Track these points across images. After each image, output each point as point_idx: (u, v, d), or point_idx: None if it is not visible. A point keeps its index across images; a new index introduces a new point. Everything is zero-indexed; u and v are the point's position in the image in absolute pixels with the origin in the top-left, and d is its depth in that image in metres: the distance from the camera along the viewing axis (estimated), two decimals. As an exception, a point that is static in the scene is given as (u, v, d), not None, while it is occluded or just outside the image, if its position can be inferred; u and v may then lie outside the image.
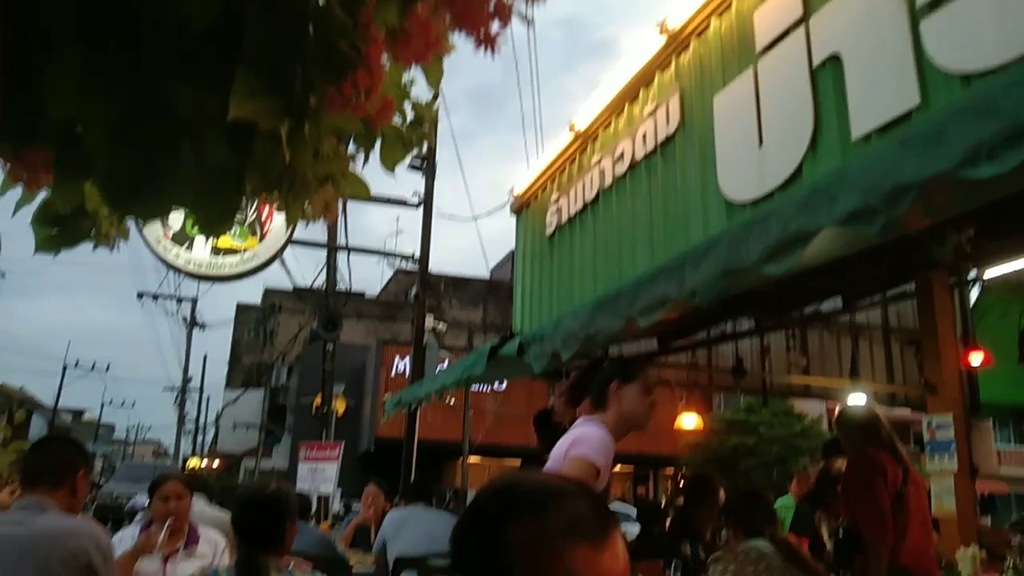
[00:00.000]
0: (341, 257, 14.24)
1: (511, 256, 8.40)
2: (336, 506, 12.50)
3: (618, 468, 17.49)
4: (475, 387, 18.13)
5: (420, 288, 11.67)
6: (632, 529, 6.49)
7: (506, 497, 0.98)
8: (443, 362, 11.47)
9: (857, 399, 6.11)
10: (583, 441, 2.60)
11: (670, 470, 20.40)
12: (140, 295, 27.53)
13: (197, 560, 3.56)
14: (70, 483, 2.73)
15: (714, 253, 2.49)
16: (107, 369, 42.94)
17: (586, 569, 0.90)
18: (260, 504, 2.58)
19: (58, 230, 1.65)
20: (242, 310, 31.21)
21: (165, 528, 3.53)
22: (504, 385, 19.10)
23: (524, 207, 6.77)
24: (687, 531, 4.76)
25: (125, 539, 3.74)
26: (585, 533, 0.92)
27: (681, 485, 16.57)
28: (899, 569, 3.29)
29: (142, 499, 5.37)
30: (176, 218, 8.79)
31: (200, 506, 4.40)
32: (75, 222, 1.64)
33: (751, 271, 2.27)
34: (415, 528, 4.88)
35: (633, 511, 7.82)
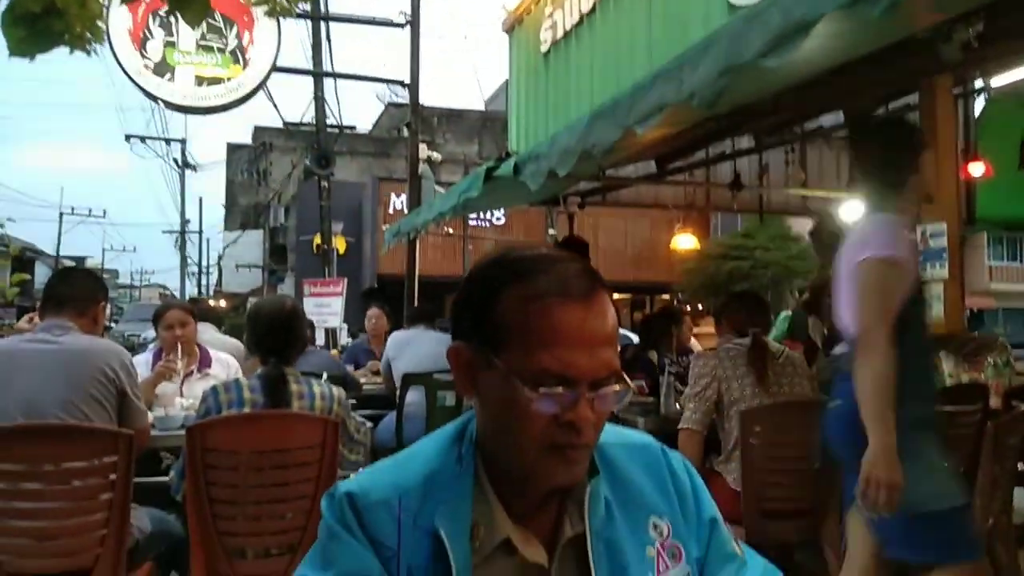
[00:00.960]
0: (330, 92, 13.81)
1: (505, 86, 8.13)
2: (344, 339, 12.91)
3: (616, 296, 17.89)
4: (473, 221, 18.22)
5: (412, 115, 11.38)
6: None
7: (499, 266, 1.03)
8: (439, 195, 11.43)
9: (853, 210, 6.12)
10: (867, 241, 2.31)
11: (666, 297, 20.88)
12: (128, 137, 26.98)
13: (211, 380, 3.72)
14: (92, 312, 2.81)
15: (713, 51, 2.39)
16: (104, 215, 42.82)
17: (571, 325, 0.95)
18: (281, 317, 2.71)
19: (30, 31, 1.58)
20: (233, 150, 30.66)
21: (178, 354, 3.65)
22: (502, 217, 19.16)
23: (517, 24, 6.47)
24: (651, 338, 5.24)
25: (139, 365, 3.87)
26: (571, 292, 0.97)
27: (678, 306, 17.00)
28: None
29: (151, 336, 5.54)
30: (155, 49, 8.44)
31: (210, 334, 4.53)
32: (46, 22, 1.57)
33: (751, 66, 2.18)
34: (418, 347, 5.05)
35: (633, 336, 8.09)
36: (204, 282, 33.64)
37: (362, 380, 5.49)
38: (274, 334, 2.68)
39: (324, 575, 0.93)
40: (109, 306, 3.21)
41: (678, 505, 1.10)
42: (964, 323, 5.77)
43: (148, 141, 27.53)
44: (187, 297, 33.50)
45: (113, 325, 20.96)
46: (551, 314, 0.95)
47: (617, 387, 0.99)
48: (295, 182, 23.93)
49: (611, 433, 1.11)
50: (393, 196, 20.14)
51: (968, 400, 3.97)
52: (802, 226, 18.43)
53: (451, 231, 14.32)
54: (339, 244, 18.85)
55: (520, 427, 0.96)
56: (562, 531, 1.02)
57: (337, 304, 11.57)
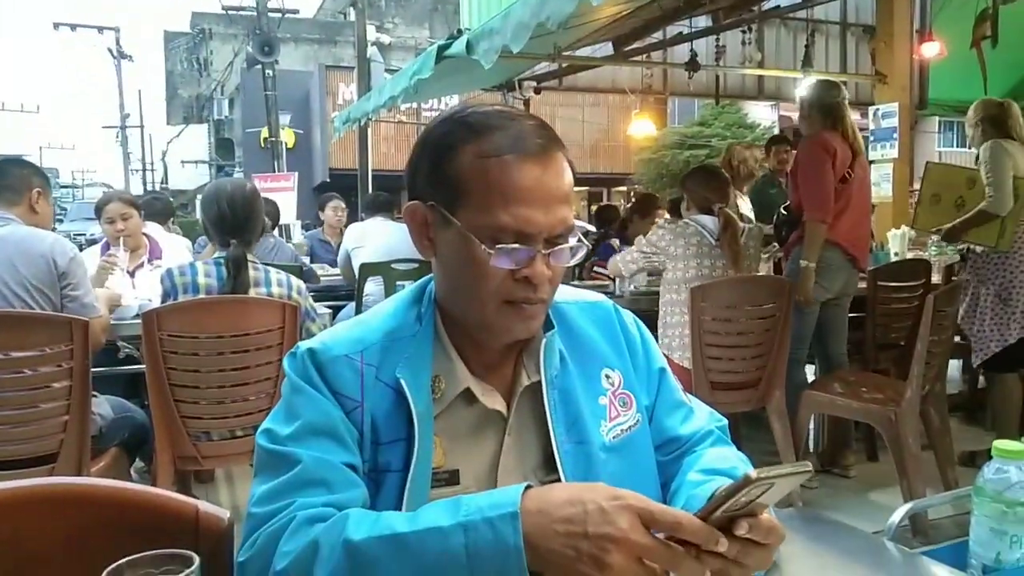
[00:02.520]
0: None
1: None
2: (297, 235, 12.75)
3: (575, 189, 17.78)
4: (427, 111, 17.78)
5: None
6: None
7: (454, 123, 1.01)
8: (391, 83, 11.06)
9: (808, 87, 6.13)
10: None
11: (623, 189, 20.91)
12: (56, 26, 25.38)
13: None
14: (28, 199, 2.70)
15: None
16: (37, 110, 40.70)
17: (528, 181, 0.95)
18: (244, 197, 2.65)
19: None
20: (171, 38, 29.11)
21: (121, 247, 3.55)
22: (457, 105, 18.67)
23: None
24: (610, 224, 5.32)
25: (88, 258, 3.77)
26: (528, 149, 0.96)
27: (633, 199, 17.07)
28: (832, 245, 3.51)
29: (98, 232, 5.37)
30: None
31: (159, 231, 4.41)
32: None
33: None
34: (377, 238, 5.01)
35: (589, 227, 8.15)
36: (149, 179, 32.51)
37: (319, 272, 5.47)
38: (236, 214, 2.62)
39: (290, 427, 0.95)
40: (53, 205, 3.10)
41: (628, 357, 1.14)
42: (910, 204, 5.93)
43: (79, 29, 25.91)
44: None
45: (57, 225, 20.34)
46: (508, 171, 0.95)
47: (572, 244, 1.00)
48: (238, 72, 22.92)
49: (566, 292, 1.14)
50: (342, 86, 19.49)
51: (912, 276, 4.14)
52: (758, 114, 18.42)
53: (404, 119, 13.97)
54: (288, 137, 18.32)
55: (478, 284, 0.97)
56: (519, 381, 1.06)
57: (289, 200, 11.34)
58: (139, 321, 2.56)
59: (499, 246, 0.94)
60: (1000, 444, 1.03)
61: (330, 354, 1.00)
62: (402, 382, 0.98)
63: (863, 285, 3.87)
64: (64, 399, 2.37)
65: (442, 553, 0.77)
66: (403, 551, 0.79)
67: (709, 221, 3.43)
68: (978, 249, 3.66)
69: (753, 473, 0.71)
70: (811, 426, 3.77)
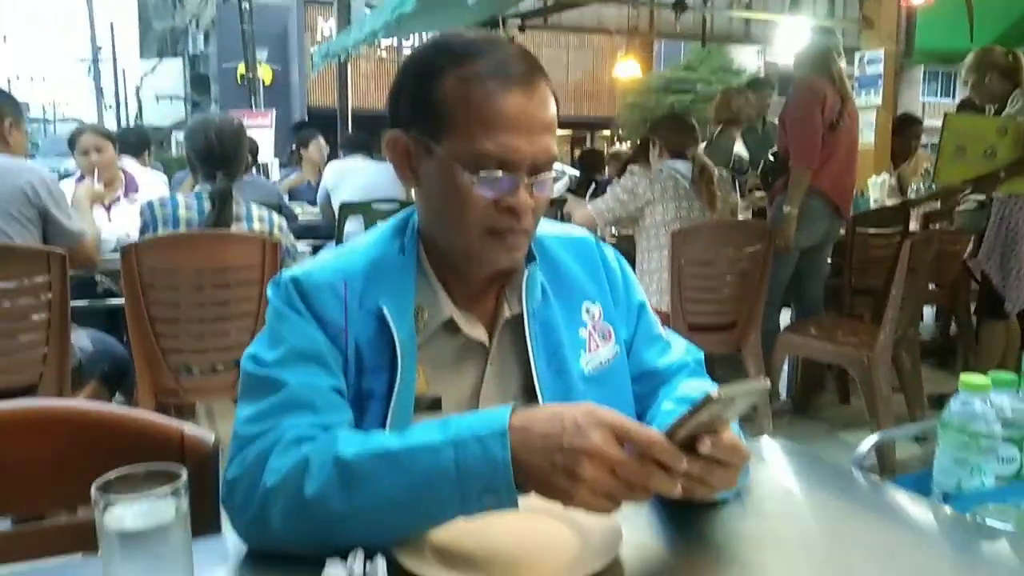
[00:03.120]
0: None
1: None
2: (276, 174, 12.58)
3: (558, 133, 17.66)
4: (408, 48, 17.40)
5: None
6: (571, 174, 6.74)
7: (437, 49, 1.00)
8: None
9: (794, 32, 6.07)
10: None
11: (607, 133, 20.74)
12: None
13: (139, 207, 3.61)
14: (0, 130, 2.65)
15: None
16: (4, 40, 39.39)
17: (512, 109, 0.94)
18: (230, 130, 2.62)
19: None
20: (143, -32, 28.13)
21: (94, 178, 3.49)
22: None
23: None
24: (595, 169, 5.28)
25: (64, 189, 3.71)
26: (512, 76, 0.95)
27: (617, 142, 16.96)
28: (816, 193, 3.53)
29: (71, 166, 5.27)
30: None
31: (135, 166, 4.33)
32: None
33: None
34: (357, 177, 4.95)
35: (572, 170, 8.08)
36: (123, 115, 31.74)
37: (297, 211, 5.41)
38: (224, 146, 2.59)
39: (275, 352, 0.96)
40: (26, 136, 3.03)
41: (609, 291, 1.15)
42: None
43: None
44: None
45: (30, 160, 19.86)
46: (492, 98, 0.94)
47: (555, 174, 1.00)
48: (213, 4, 22.25)
49: (548, 227, 1.15)
50: (321, 20, 19.02)
51: (890, 223, 4.18)
52: (744, 60, 18.25)
53: (384, 56, 13.69)
54: (265, 74, 17.88)
55: (461, 212, 0.97)
56: (501, 313, 1.07)
57: (266, 137, 11.14)
58: (117, 255, 2.53)
59: (482, 174, 0.94)
60: (966, 378, 1.06)
61: (313, 281, 1.00)
62: (385, 310, 0.99)
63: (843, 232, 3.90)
64: (44, 330, 2.37)
65: (432, 468, 0.79)
66: (394, 467, 0.81)
67: (681, 165, 3.44)
68: (1002, 196, 3.64)
69: (714, 392, 0.74)
70: (785, 369, 3.84)
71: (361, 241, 1.08)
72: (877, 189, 4.85)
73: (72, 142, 3.67)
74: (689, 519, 0.93)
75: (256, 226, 2.65)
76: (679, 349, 1.20)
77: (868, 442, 1.30)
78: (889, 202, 4.71)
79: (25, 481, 0.96)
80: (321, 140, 6.30)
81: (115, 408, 1.00)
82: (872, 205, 4.70)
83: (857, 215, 4.08)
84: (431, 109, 0.96)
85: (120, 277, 2.51)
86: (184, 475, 0.68)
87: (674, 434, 0.77)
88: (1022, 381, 1.13)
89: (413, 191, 1.06)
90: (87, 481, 0.83)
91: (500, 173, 0.94)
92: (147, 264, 2.46)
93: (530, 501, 0.93)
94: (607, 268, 1.17)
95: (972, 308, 4.35)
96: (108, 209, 3.68)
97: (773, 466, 1.13)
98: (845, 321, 3.78)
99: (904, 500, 1.04)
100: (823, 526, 0.98)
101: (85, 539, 0.90)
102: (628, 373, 1.15)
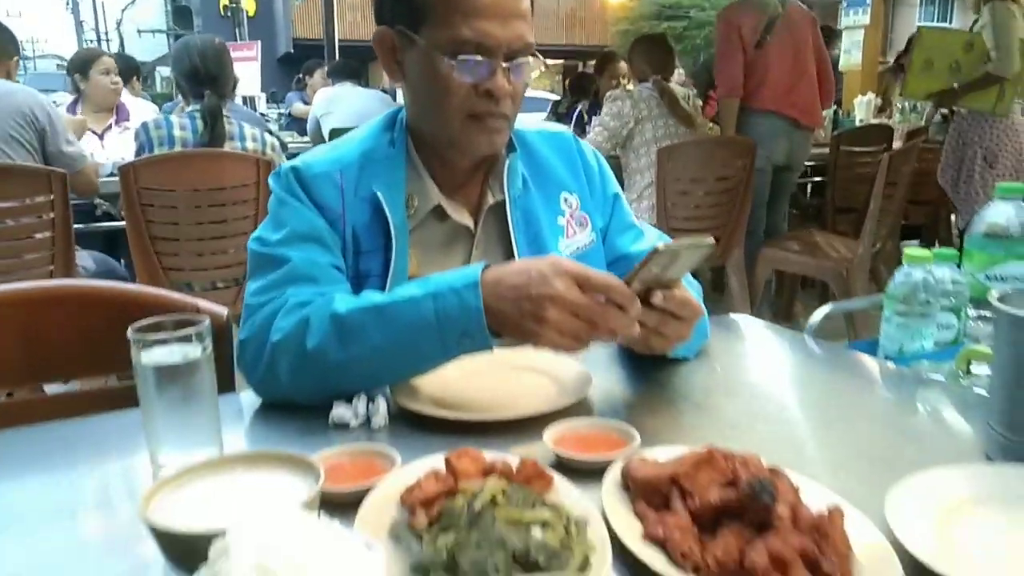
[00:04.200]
0: None
1: None
2: (263, 107, 12.43)
3: (549, 62, 17.41)
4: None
5: None
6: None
7: None
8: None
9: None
10: None
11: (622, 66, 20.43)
12: None
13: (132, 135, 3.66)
14: (5, 67, 2.69)
15: None
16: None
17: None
18: (215, 48, 2.67)
19: None
20: None
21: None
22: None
23: None
24: (584, 92, 5.31)
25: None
26: None
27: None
28: (765, 113, 3.58)
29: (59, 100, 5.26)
30: None
31: (125, 94, 4.33)
32: None
33: None
34: (346, 104, 4.97)
35: (556, 97, 8.01)
36: (104, 50, 30.99)
37: (287, 139, 5.43)
38: (208, 65, 2.64)
39: (279, 233, 1.05)
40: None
41: (586, 182, 1.24)
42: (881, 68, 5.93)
43: None
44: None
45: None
46: None
47: (531, 60, 1.07)
48: (194, -68, 21.56)
49: (528, 122, 1.24)
50: (306, -52, 18.48)
51: (874, 141, 4.24)
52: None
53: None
54: (248, 5, 17.49)
55: (443, 99, 1.05)
56: (485, 200, 1.16)
57: (252, 71, 10.97)
58: (115, 178, 2.60)
59: (460, 58, 1.02)
60: (910, 251, 1.16)
61: (311, 171, 1.09)
62: (379, 196, 1.08)
63: (825, 150, 3.97)
64: (48, 249, 2.45)
65: (415, 318, 0.89)
66: (381, 318, 0.91)
67: (648, 87, 3.49)
68: (963, 112, 3.71)
69: (660, 245, 0.83)
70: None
71: (354, 136, 1.17)
72: (863, 108, 4.89)
73: (88, 62, 3.69)
74: (651, 370, 1.05)
75: (249, 145, 2.71)
76: (651, 236, 1.29)
77: (820, 312, 1.41)
78: (874, 122, 4.76)
79: (51, 354, 1.06)
80: (325, 68, 6.31)
81: (132, 287, 1.09)
82: (858, 125, 4.75)
83: (841, 133, 4.14)
84: (411, 1, 1.03)
85: (118, 200, 2.58)
86: (207, 321, 0.78)
87: (628, 284, 0.87)
88: (962, 256, 1.23)
89: (399, 88, 1.14)
90: (108, 355, 0.93)
91: (478, 58, 1.02)
92: (145, 184, 2.52)
93: (510, 357, 1.05)
94: (584, 161, 1.26)
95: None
96: (101, 137, 3.72)
97: (735, 334, 1.24)
98: (826, 235, 3.87)
99: (851, 358, 1.15)
100: (774, 377, 1.09)
101: (115, 401, 1.01)
102: (603, 259, 1.25)
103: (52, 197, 2.40)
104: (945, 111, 4.04)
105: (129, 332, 0.77)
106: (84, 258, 2.72)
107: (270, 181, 1.12)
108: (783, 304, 4.05)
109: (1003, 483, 0.70)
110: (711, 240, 0.87)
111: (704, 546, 0.59)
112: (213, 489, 0.64)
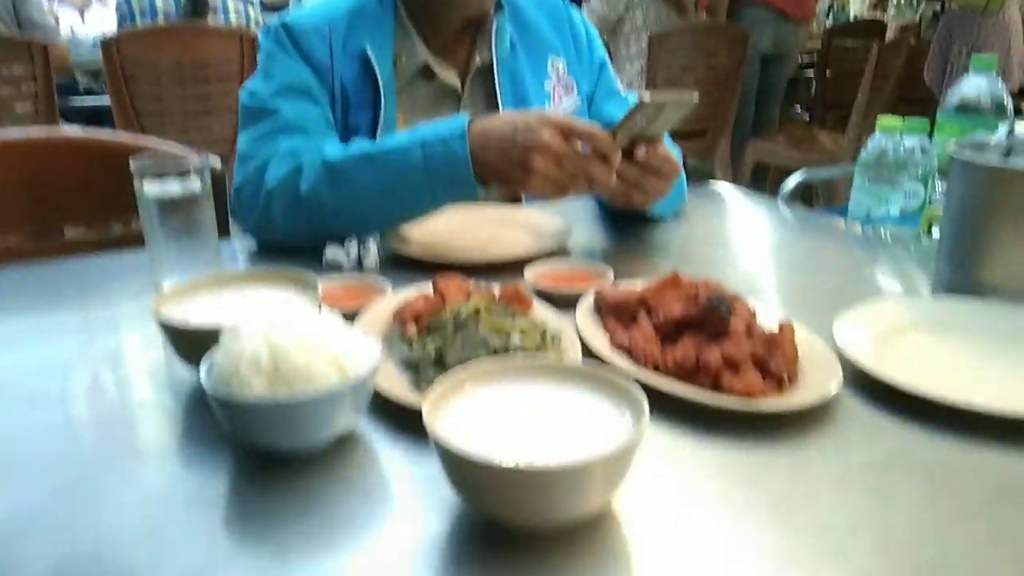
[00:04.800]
0: None
1: None
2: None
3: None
4: None
5: None
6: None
7: None
8: None
9: None
10: None
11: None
12: None
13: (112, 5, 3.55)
14: None
15: None
16: None
17: None
18: None
19: None
20: None
21: None
22: None
23: None
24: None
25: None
26: None
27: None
28: (752, 4, 3.53)
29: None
30: None
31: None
32: None
33: None
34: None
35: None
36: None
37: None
38: None
39: (269, 86, 1.07)
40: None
41: (573, 48, 1.26)
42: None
43: None
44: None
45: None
46: None
47: None
48: None
49: None
50: None
51: (866, 35, 4.19)
52: None
53: None
54: None
55: None
56: (473, 61, 1.18)
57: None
58: (98, 52, 2.55)
59: None
60: (883, 119, 1.20)
61: (301, 26, 1.10)
62: (368, 51, 1.10)
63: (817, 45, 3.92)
64: (30, 122, 2.43)
65: (404, 165, 0.93)
66: (372, 165, 0.95)
67: None
68: (955, 8, 3.66)
69: (646, 96, 0.86)
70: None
71: None
72: (857, 3, 4.81)
73: None
74: (629, 226, 1.10)
75: (232, 18, 2.66)
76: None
77: (793, 179, 1.46)
78: (867, 16, 4.69)
79: (53, 199, 1.10)
80: None
81: (129, 136, 1.12)
82: (852, 19, 4.68)
83: (834, 27, 4.09)
84: None
85: (100, 75, 2.54)
86: (206, 157, 0.82)
87: (612, 136, 0.91)
88: (933, 128, 1.27)
89: None
90: (107, 201, 0.96)
91: None
92: (128, 57, 2.49)
93: (495, 213, 1.10)
94: (572, 26, 1.27)
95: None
96: (82, 13, 3.62)
97: (712, 199, 1.29)
98: (813, 129, 3.89)
99: (818, 219, 1.21)
100: (746, 234, 1.15)
101: (118, 246, 1.05)
102: None
103: (33, 69, 2.37)
104: (937, 8, 3.98)
105: (132, 164, 0.80)
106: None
107: (260, 36, 1.14)
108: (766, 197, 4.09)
109: (943, 312, 0.77)
110: (695, 95, 0.90)
111: (665, 352, 0.65)
112: (218, 300, 0.70)
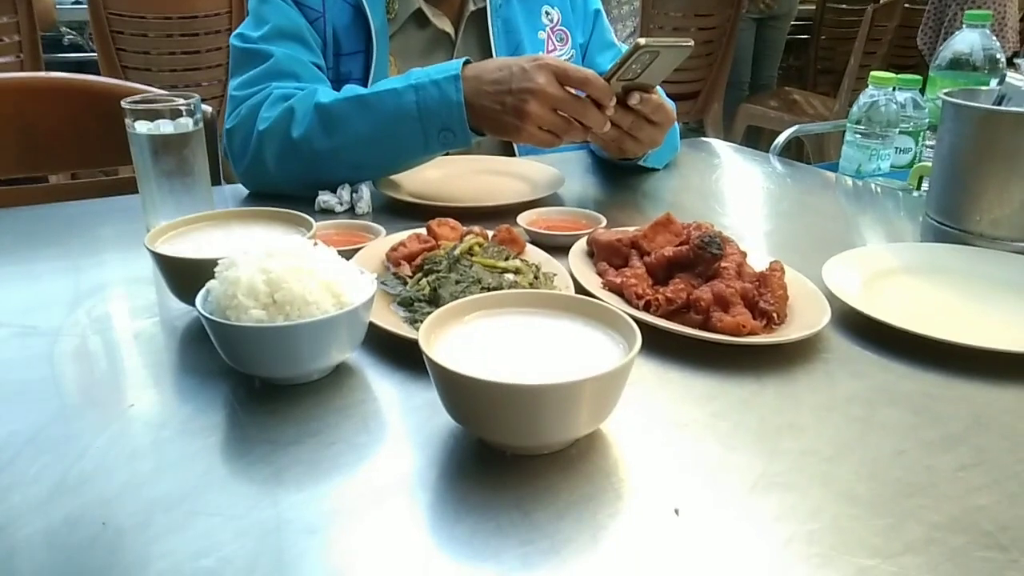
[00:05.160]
0: None
1: None
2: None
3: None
4: None
5: None
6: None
7: None
8: None
9: None
10: None
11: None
12: None
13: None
14: None
15: None
16: None
17: None
18: None
19: None
20: None
21: None
22: None
23: None
24: None
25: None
26: None
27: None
28: None
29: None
30: None
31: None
32: None
33: None
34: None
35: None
36: None
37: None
38: None
39: (260, 30, 1.06)
40: None
41: None
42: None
43: None
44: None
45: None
46: None
47: None
48: None
49: None
50: None
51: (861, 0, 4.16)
52: None
53: None
54: None
55: None
56: (466, 7, 1.17)
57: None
58: (83, 6, 2.50)
59: None
60: (875, 74, 1.20)
61: None
62: (360, -2, 1.09)
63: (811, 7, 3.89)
64: (17, 71, 2.39)
65: (397, 108, 0.93)
66: (364, 108, 0.94)
67: None
68: None
69: (642, 40, 0.86)
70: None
71: None
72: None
73: None
74: (622, 176, 1.10)
75: (221, -27, 2.61)
76: None
77: (786, 133, 1.46)
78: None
79: (44, 142, 1.09)
80: None
81: (120, 82, 1.11)
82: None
83: (829, -11, 4.05)
84: None
85: (86, 28, 2.50)
86: (197, 98, 0.81)
87: (608, 80, 0.90)
88: (926, 84, 1.28)
89: None
90: (96, 145, 0.95)
91: None
92: (114, 8, 2.44)
93: (488, 163, 1.10)
94: None
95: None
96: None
97: (705, 152, 1.29)
98: (804, 93, 3.87)
99: (810, 172, 1.22)
100: (739, 186, 1.15)
101: (109, 190, 1.05)
102: None
103: (17, 18, 2.33)
104: None
105: (123, 103, 0.79)
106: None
107: (251, -19, 1.12)
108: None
109: (930, 257, 0.78)
110: (690, 42, 0.90)
111: (656, 291, 0.66)
112: (211, 237, 0.70)
